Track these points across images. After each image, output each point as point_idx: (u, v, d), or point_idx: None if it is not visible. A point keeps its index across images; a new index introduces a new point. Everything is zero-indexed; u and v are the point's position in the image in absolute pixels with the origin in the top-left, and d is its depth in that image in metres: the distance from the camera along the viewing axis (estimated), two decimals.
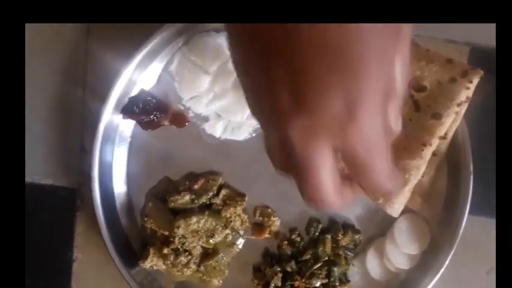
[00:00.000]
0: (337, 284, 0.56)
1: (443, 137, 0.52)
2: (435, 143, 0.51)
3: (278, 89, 0.28)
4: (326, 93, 0.27)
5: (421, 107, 0.51)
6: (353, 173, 0.30)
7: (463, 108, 0.51)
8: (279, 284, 0.55)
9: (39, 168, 0.59)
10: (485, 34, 0.55)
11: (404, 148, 0.51)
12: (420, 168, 0.51)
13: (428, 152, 0.51)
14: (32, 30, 0.55)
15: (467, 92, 0.49)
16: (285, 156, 0.30)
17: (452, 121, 0.50)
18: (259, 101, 0.30)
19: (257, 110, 0.31)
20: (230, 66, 0.54)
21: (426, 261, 0.55)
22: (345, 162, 0.30)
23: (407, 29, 0.29)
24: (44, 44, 0.58)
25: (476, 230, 0.56)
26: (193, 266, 0.55)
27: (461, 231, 0.53)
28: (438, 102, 0.50)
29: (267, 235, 0.57)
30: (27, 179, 0.59)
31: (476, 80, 0.49)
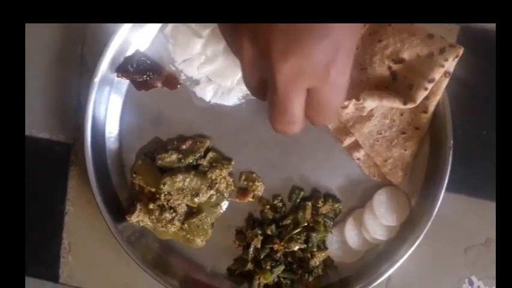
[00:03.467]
0: (315, 250, 0.57)
1: (424, 111, 0.53)
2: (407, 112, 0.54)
3: (275, 35, 0.34)
4: (319, 40, 0.34)
5: (398, 77, 0.51)
6: (314, 107, 0.38)
7: (444, 83, 0.51)
8: (259, 246, 0.57)
9: (37, 122, 0.61)
10: None
11: None
12: None
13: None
14: None
15: (440, 69, 0.49)
16: (262, 87, 0.38)
17: (424, 96, 0.50)
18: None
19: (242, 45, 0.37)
20: None
21: (403, 234, 0.56)
22: (311, 99, 0.37)
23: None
24: None
25: (456, 208, 0.56)
26: (177, 223, 0.57)
27: (438, 204, 0.53)
28: (414, 75, 0.50)
29: (250, 199, 0.58)
30: (25, 132, 0.61)
31: (452, 58, 0.49)
